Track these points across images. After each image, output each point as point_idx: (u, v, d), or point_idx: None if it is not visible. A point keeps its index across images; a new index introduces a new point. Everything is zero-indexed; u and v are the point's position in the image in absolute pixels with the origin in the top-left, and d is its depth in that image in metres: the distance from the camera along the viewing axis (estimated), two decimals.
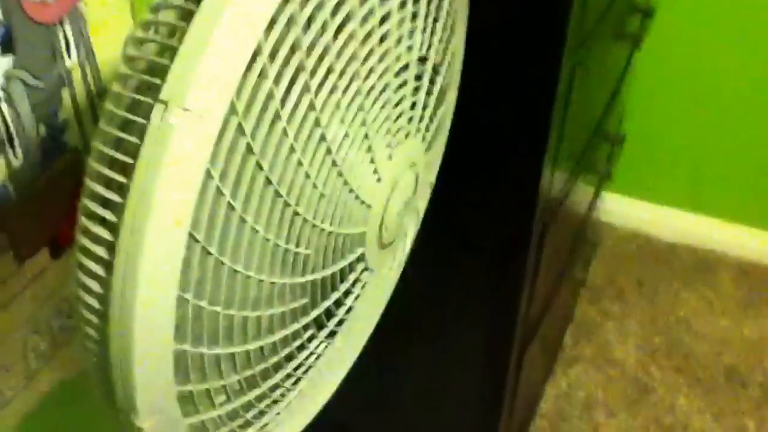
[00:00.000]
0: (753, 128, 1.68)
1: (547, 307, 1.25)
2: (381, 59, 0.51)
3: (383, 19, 0.50)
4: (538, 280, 1.08)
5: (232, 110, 0.41)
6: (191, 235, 0.41)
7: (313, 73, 0.45)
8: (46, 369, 0.90)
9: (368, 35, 0.49)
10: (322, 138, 0.47)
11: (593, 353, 1.60)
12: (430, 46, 0.58)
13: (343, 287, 0.58)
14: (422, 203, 0.70)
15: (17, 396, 0.87)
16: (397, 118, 0.55)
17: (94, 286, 0.42)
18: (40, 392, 0.90)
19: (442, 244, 1.03)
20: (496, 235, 0.99)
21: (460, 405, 1.20)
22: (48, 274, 0.86)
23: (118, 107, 0.42)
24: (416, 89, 0.58)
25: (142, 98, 0.40)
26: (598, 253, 1.83)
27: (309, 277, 0.52)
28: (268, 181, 0.44)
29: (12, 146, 0.76)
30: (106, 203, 0.41)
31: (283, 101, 0.44)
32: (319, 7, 0.44)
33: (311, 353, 0.58)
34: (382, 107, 0.52)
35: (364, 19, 0.48)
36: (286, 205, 0.46)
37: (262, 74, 0.42)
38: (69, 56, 0.80)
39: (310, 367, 0.59)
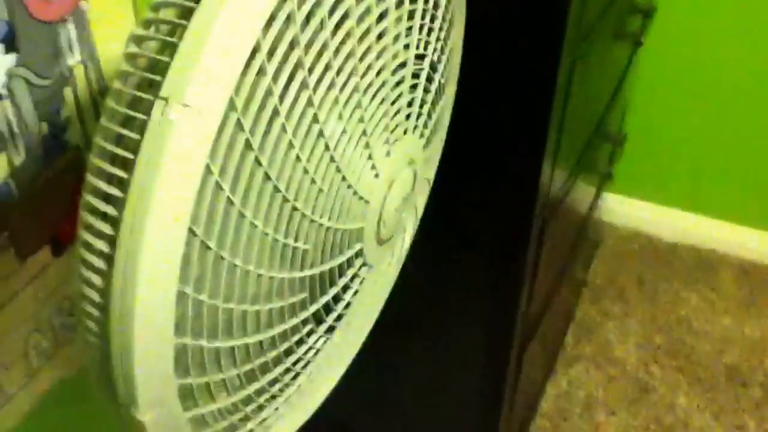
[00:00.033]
0: (754, 128, 1.68)
1: (547, 306, 1.25)
2: (378, 56, 0.51)
3: (380, 17, 0.51)
4: (538, 278, 1.08)
5: (231, 106, 0.41)
6: (191, 230, 0.41)
7: (311, 69, 0.45)
8: (47, 367, 0.90)
9: (366, 33, 0.49)
10: (321, 134, 0.48)
11: (594, 352, 1.60)
12: (427, 44, 0.59)
13: (341, 282, 0.58)
14: (421, 199, 0.71)
15: (18, 394, 0.87)
16: (395, 114, 0.56)
17: (96, 279, 0.42)
18: (41, 390, 0.90)
19: (441, 241, 1.03)
20: (495, 232, 1.00)
21: (460, 403, 1.21)
22: (49, 271, 0.86)
23: (119, 104, 0.42)
24: (414, 86, 0.58)
25: (142, 95, 0.41)
26: (600, 252, 1.83)
27: (307, 272, 0.52)
28: (267, 177, 0.45)
29: (14, 144, 0.76)
30: (107, 198, 0.41)
31: (282, 97, 0.44)
32: (317, 5, 0.45)
33: (310, 348, 0.58)
34: (380, 104, 0.53)
35: (362, 17, 0.48)
36: (285, 200, 0.47)
37: (260, 71, 0.42)
38: (71, 54, 0.80)
39: (309, 362, 0.59)
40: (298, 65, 0.45)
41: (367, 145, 0.52)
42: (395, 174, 0.57)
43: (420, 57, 0.58)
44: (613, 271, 1.79)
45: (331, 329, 0.61)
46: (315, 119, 0.47)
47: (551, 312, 1.31)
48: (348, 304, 0.61)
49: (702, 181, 1.79)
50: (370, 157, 0.53)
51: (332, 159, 0.49)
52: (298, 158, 0.47)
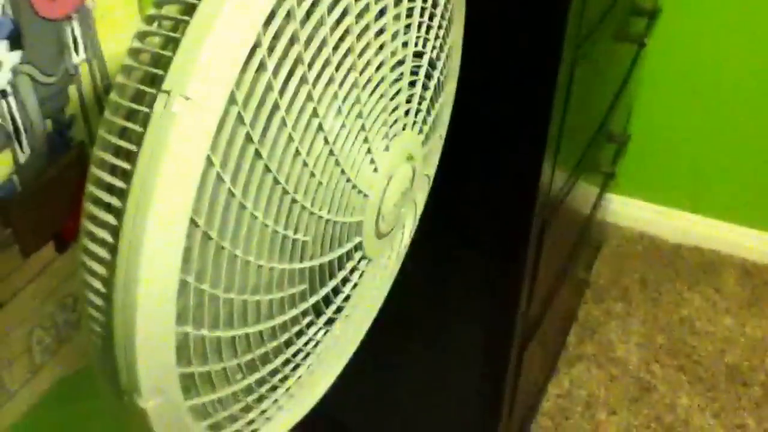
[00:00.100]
0: (758, 129, 1.68)
1: (548, 305, 1.25)
2: (377, 53, 0.52)
3: (380, 14, 0.52)
4: (539, 278, 1.09)
5: (232, 100, 0.42)
6: (192, 221, 0.42)
7: (310, 65, 0.46)
8: (50, 363, 0.91)
9: (365, 29, 0.50)
10: (320, 128, 0.49)
11: (596, 352, 1.61)
12: (426, 42, 0.59)
13: (341, 275, 0.59)
14: (420, 195, 0.72)
15: (21, 390, 0.87)
16: (394, 110, 0.57)
17: (99, 269, 0.43)
18: (44, 387, 0.91)
19: (441, 240, 1.04)
20: (495, 231, 1.00)
21: (459, 402, 1.21)
22: (53, 268, 0.87)
23: (123, 97, 0.43)
24: (413, 83, 0.59)
25: (146, 89, 0.42)
26: (603, 253, 1.84)
27: (307, 264, 0.53)
28: (267, 169, 0.46)
29: (19, 141, 0.77)
30: (110, 189, 0.42)
31: (282, 92, 0.45)
32: (316, 2, 0.46)
33: (310, 340, 0.59)
34: (379, 99, 0.54)
35: (360, 14, 0.49)
36: (285, 192, 0.48)
37: (261, 66, 0.43)
38: (76, 52, 0.81)
39: (309, 353, 0.60)
40: (298, 60, 0.46)
41: (366, 140, 0.53)
42: (394, 169, 0.58)
43: (419, 54, 0.59)
44: (616, 271, 1.80)
45: (331, 322, 0.61)
46: (314, 114, 0.48)
47: (553, 312, 1.31)
48: (347, 297, 0.62)
49: (705, 183, 1.80)
50: (369, 152, 0.54)
51: (331, 153, 0.50)
52: (297, 152, 0.48)
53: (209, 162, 0.42)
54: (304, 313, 0.57)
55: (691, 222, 1.85)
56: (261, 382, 0.56)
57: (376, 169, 0.56)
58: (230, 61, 0.41)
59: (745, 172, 1.75)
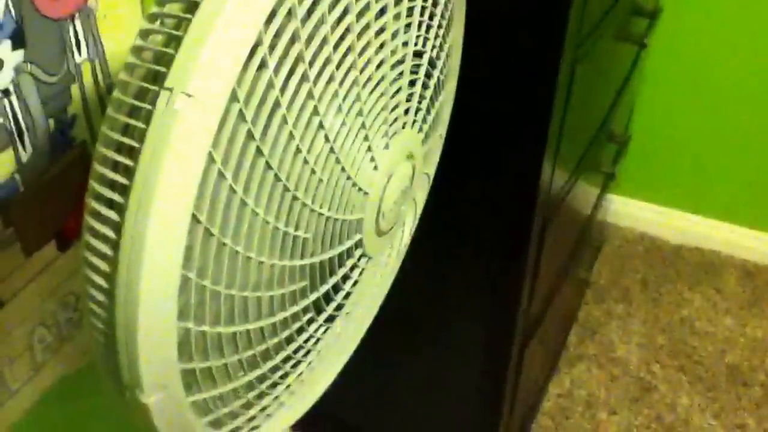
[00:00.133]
0: (759, 130, 1.68)
1: (549, 305, 1.25)
2: (377, 52, 0.52)
3: (380, 13, 0.52)
4: (539, 277, 1.09)
5: (234, 97, 0.42)
6: (194, 217, 0.43)
7: (311, 63, 0.47)
8: (52, 362, 0.91)
9: (365, 28, 0.51)
10: (321, 126, 0.49)
11: (596, 352, 1.61)
12: (426, 41, 0.60)
13: (341, 272, 0.59)
14: (420, 194, 0.72)
15: (23, 388, 0.88)
16: (394, 108, 0.57)
17: (101, 265, 0.43)
18: (45, 385, 0.91)
19: (442, 239, 1.04)
20: (496, 230, 1.00)
21: (460, 400, 1.21)
22: (55, 267, 0.87)
23: (126, 94, 0.44)
24: (413, 82, 0.60)
25: (148, 86, 0.42)
26: (604, 253, 1.84)
27: (307, 261, 0.54)
28: (268, 166, 0.46)
29: (21, 140, 0.77)
30: (113, 185, 0.43)
31: (283, 90, 0.45)
32: (317, 1, 0.46)
33: (311, 336, 0.59)
34: (379, 98, 0.54)
35: (361, 13, 0.50)
36: (286, 189, 0.48)
37: (262, 64, 0.43)
38: (79, 52, 0.81)
39: (309, 350, 0.60)
40: (299, 59, 0.46)
41: (366, 138, 0.54)
42: (394, 167, 0.59)
43: (419, 53, 0.60)
44: (617, 271, 1.80)
45: (331, 319, 0.62)
46: (315, 111, 0.48)
47: (553, 311, 1.31)
48: (348, 294, 0.62)
49: (706, 183, 1.80)
50: (369, 150, 0.54)
51: (332, 150, 0.51)
52: (298, 149, 0.48)
53: (211, 159, 0.42)
54: (305, 310, 0.57)
55: (691, 222, 1.86)
56: (262, 378, 0.56)
57: (376, 167, 0.56)
58: (232, 59, 0.41)
59: (746, 173, 1.75)
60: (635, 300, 1.73)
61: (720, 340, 1.64)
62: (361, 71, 0.51)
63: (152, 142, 0.40)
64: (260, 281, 0.50)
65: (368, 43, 0.51)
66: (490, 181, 0.97)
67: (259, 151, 0.45)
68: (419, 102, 0.61)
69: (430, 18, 0.59)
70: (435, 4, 0.60)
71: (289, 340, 0.57)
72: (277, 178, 0.47)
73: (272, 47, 0.44)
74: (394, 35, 0.54)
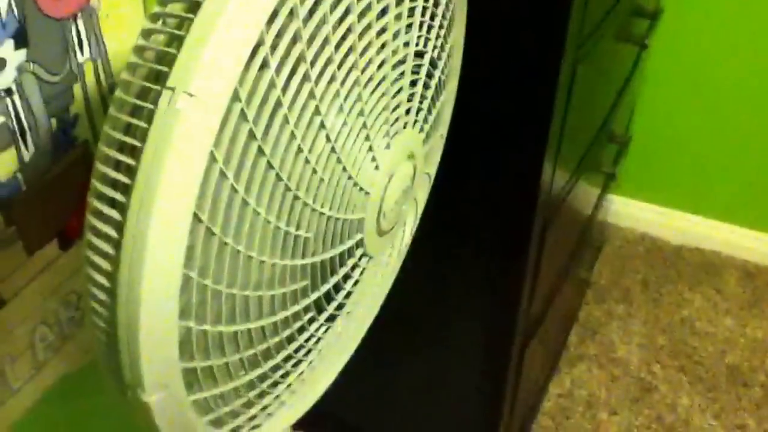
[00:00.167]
0: (759, 130, 1.69)
1: (549, 305, 1.25)
2: (378, 52, 0.53)
3: (381, 13, 0.52)
4: (540, 277, 1.09)
5: (236, 97, 0.43)
6: (196, 216, 0.43)
7: (312, 63, 0.47)
8: (53, 360, 0.91)
9: (366, 28, 0.51)
10: (322, 126, 0.49)
11: (597, 352, 1.61)
12: (427, 41, 0.60)
13: (342, 271, 0.59)
14: (421, 194, 0.72)
15: (24, 387, 0.88)
16: (395, 108, 0.57)
17: (103, 264, 0.44)
18: (47, 383, 0.91)
19: (442, 239, 1.04)
20: (496, 230, 1.00)
21: (460, 400, 1.21)
22: (57, 265, 0.88)
23: (128, 94, 0.44)
24: (414, 82, 0.60)
25: (150, 85, 0.42)
26: (605, 254, 1.84)
27: (308, 260, 0.54)
28: (270, 166, 0.46)
29: (23, 139, 0.78)
30: (115, 185, 0.43)
31: (284, 90, 0.46)
32: (318, 1, 0.46)
33: (311, 336, 0.60)
34: (380, 98, 0.54)
35: (363, 13, 0.50)
36: (287, 189, 0.48)
37: (264, 63, 0.44)
38: (81, 51, 0.81)
39: (310, 350, 0.61)
40: (301, 59, 0.46)
41: (367, 138, 0.54)
42: (395, 167, 0.59)
43: (420, 54, 0.60)
44: (617, 272, 1.80)
45: (332, 318, 0.62)
46: (316, 111, 0.48)
47: (554, 311, 1.32)
48: (349, 294, 0.62)
49: (707, 184, 1.80)
50: (370, 150, 0.55)
51: (333, 150, 0.51)
52: (299, 149, 0.48)
53: (213, 158, 0.42)
54: (306, 309, 0.57)
55: (692, 223, 1.86)
56: (263, 377, 0.56)
57: (377, 167, 0.56)
58: (234, 59, 0.41)
59: (747, 173, 1.75)
60: (636, 300, 1.73)
61: (720, 341, 1.64)
62: (363, 71, 0.51)
63: (154, 141, 0.41)
64: (261, 280, 0.51)
65: (370, 44, 0.51)
66: (491, 181, 0.97)
67: (260, 151, 0.45)
68: (420, 102, 0.61)
69: (432, 18, 0.60)
70: (436, 5, 0.60)
71: (290, 339, 0.57)
72: (278, 177, 0.47)
73: (274, 47, 0.44)
74: (396, 35, 0.55)
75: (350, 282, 0.61)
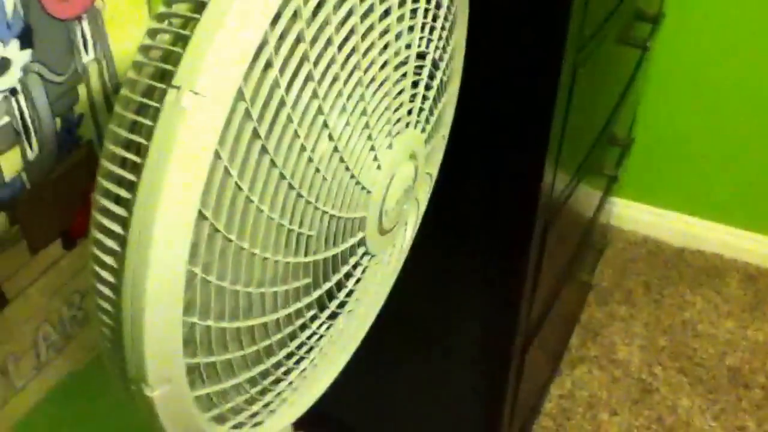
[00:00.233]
0: (762, 134, 1.69)
1: (550, 306, 1.26)
2: (381, 53, 0.53)
3: (384, 15, 0.53)
4: (541, 278, 1.09)
5: (240, 96, 0.43)
6: (200, 213, 0.43)
7: (316, 63, 0.47)
8: (57, 360, 0.91)
9: (369, 29, 0.51)
10: (325, 125, 0.50)
11: (598, 354, 1.61)
12: (429, 42, 0.60)
13: (344, 270, 0.60)
14: (423, 194, 0.73)
15: (28, 386, 0.88)
16: (397, 108, 0.58)
17: (109, 260, 0.44)
18: (50, 383, 0.91)
19: (443, 240, 1.05)
20: (498, 232, 1.01)
21: (461, 402, 1.21)
22: (60, 265, 0.88)
23: (134, 92, 0.44)
24: (416, 83, 0.60)
25: (156, 84, 0.43)
26: (607, 256, 1.85)
27: (311, 258, 0.54)
28: (273, 164, 0.47)
29: (28, 139, 0.78)
30: (121, 182, 0.43)
31: (288, 89, 0.46)
32: (322, 3, 0.47)
33: (313, 333, 0.60)
34: (383, 98, 0.55)
35: (365, 14, 0.50)
36: (290, 187, 0.49)
37: (268, 63, 0.44)
38: (86, 52, 0.82)
39: (312, 347, 0.61)
40: (304, 59, 0.47)
41: (369, 137, 0.54)
42: (397, 166, 0.59)
43: (422, 55, 0.60)
44: (619, 274, 1.80)
45: (334, 316, 0.62)
46: (320, 111, 0.49)
47: (555, 313, 1.32)
48: (350, 292, 0.63)
49: (708, 187, 1.80)
50: (372, 149, 0.55)
51: (336, 149, 0.51)
52: (303, 148, 0.49)
53: (217, 156, 0.43)
54: (308, 307, 0.58)
55: (694, 226, 1.86)
56: (265, 374, 0.57)
57: (379, 167, 0.57)
58: (239, 59, 0.42)
59: (749, 176, 1.75)
60: (637, 302, 1.74)
61: (721, 343, 1.64)
62: (365, 72, 0.52)
63: (160, 139, 0.41)
64: (265, 278, 0.51)
65: (372, 44, 0.52)
66: (492, 183, 0.97)
67: (264, 149, 0.46)
68: (422, 103, 0.62)
69: (434, 20, 0.60)
70: (438, 7, 0.60)
71: (293, 336, 0.58)
72: (281, 176, 0.48)
73: (278, 47, 0.44)
74: (398, 37, 0.55)
75: (352, 280, 0.62)
